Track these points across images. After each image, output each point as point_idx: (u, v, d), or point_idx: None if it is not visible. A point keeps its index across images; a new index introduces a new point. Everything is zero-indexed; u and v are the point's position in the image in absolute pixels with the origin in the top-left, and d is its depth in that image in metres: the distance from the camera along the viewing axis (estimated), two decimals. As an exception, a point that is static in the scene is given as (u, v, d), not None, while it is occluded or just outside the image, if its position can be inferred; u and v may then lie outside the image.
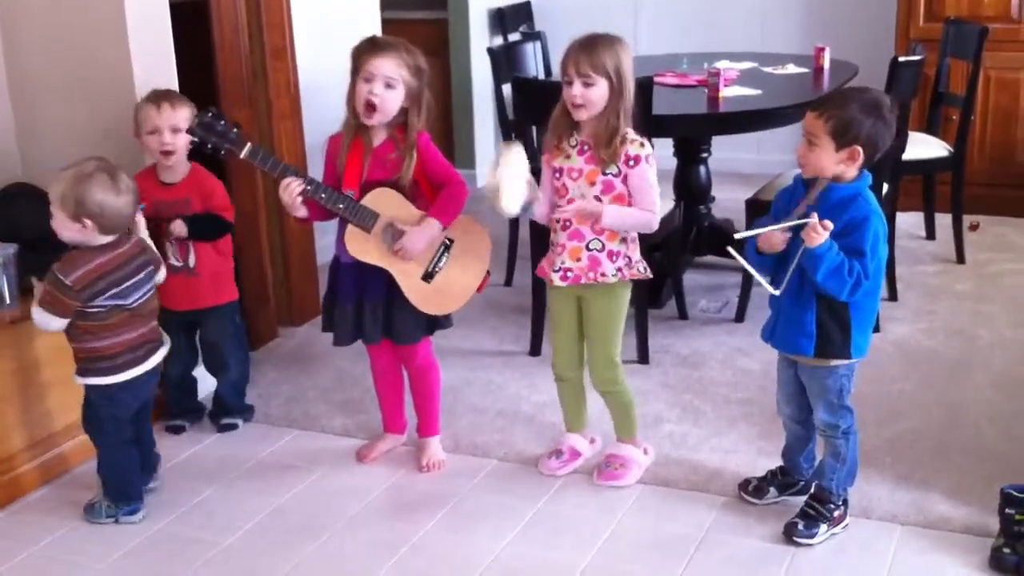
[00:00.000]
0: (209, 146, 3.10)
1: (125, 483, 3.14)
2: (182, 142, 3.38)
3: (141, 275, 3.04)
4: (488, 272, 3.28)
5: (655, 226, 3.10)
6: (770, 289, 2.79)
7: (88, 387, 3.07)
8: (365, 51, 3.11)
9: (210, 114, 3.10)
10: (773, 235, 2.77)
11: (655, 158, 3.06)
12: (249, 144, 3.11)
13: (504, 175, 2.96)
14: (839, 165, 2.73)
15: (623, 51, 3.00)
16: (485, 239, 3.26)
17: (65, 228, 2.94)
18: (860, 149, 2.70)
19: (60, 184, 2.92)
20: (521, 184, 3.00)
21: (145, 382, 3.11)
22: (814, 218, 2.66)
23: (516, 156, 3.00)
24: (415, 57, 3.12)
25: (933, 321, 4.35)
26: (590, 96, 2.98)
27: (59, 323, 2.97)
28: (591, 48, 2.98)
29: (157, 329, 3.15)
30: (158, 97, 3.39)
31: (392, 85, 3.07)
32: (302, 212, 3.13)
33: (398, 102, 3.10)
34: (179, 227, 3.39)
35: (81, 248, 2.95)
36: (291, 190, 3.07)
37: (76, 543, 3.06)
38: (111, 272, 2.96)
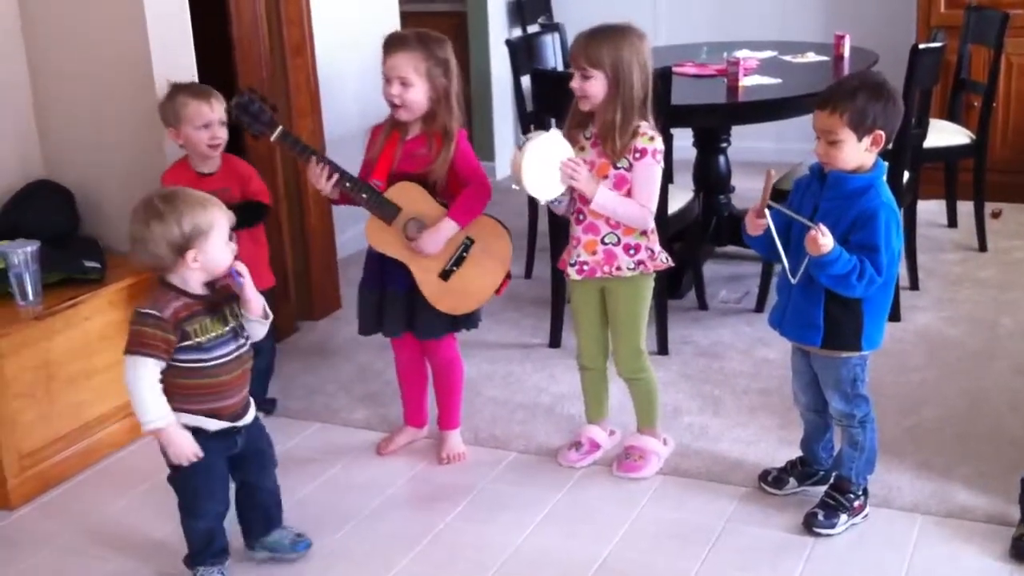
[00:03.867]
0: (244, 125, 3.13)
1: None
2: (225, 135, 3.40)
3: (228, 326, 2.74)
4: (508, 275, 3.28)
5: (649, 224, 3.08)
6: (788, 275, 2.79)
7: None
8: (384, 49, 3.12)
9: (247, 94, 3.13)
10: (752, 219, 2.78)
11: (662, 156, 3.04)
12: (280, 127, 3.13)
13: (527, 157, 2.94)
14: (864, 154, 2.71)
15: (628, 43, 2.97)
16: (506, 242, 3.26)
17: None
18: (881, 133, 2.69)
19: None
20: (550, 170, 2.97)
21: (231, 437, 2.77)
22: (813, 230, 2.64)
23: (545, 140, 2.97)
24: (436, 49, 3.10)
25: (955, 309, 4.32)
26: (587, 89, 2.98)
27: (157, 368, 2.61)
28: (590, 41, 2.98)
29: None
30: (204, 92, 3.40)
31: (408, 83, 3.08)
32: (333, 194, 3.15)
33: (421, 97, 3.10)
34: None
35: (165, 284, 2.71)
36: (318, 174, 3.09)
37: (97, 540, 3.09)
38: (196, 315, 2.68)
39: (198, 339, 2.59)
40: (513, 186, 3.00)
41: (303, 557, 2.91)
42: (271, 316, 2.75)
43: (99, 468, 3.44)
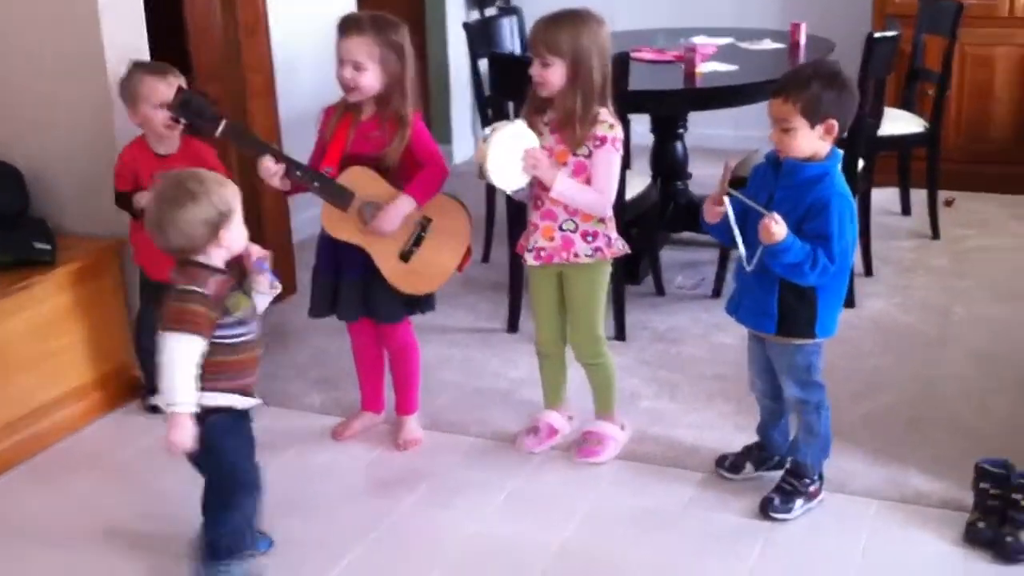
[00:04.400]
0: (188, 123, 3.07)
1: None
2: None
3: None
4: (469, 250, 3.26)
5: (607, 211, 3.07)
6: (744, 262, 2.79)
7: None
8: (338, 31, 3.08)
9: (187, 92, 3.07)
10: (710, 207, 2.80)
11: (621, 143, 3.04)
12: (224, 121, 3.07)
13: (492, 148, 2.92)
14: (818, 142, 2.72)
15: (587, 30, 2.96)
16: (464, 218, 3.24)
17: None
18: (834, 122, 2.70)
19: None
20: (514, 161, 2.96)
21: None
22: (767, 219, 2.65)
23: (509, 131, 2.96)
24: (390, 34, 3.07)
25: (908, 296, 4.37)
26: (547, 76, 2.96)
27: (200, 346, 2.52)
28: (549, 27, 2.96)
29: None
30: (162, 70, 3.34)
31: (361, 67, 3.05)
32: (285, 185, 3.10)
33: (375, 81, 3.07)
34: None
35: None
36: (267, 168, 3.05)
37: (48, 524, 3.04)
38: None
39: (237, 314, 2.54)
40: (478, 177, 2.99)
41: (259, 543, 2.88)
42: (279, 287, 2.69)
43: (51, 452, 3.39)
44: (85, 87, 3.57)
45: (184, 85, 3.10)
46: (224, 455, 2.59)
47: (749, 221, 2.79)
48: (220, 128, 3.05)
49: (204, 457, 2.57)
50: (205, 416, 2.51)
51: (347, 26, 3.08)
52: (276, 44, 4.36)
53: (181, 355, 2.45)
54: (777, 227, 2.64)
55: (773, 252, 2.68)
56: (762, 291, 2.81)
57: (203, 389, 2.50)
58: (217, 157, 3.50)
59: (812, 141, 2.71)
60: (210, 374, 2.51)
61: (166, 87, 3.28)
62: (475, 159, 2.97)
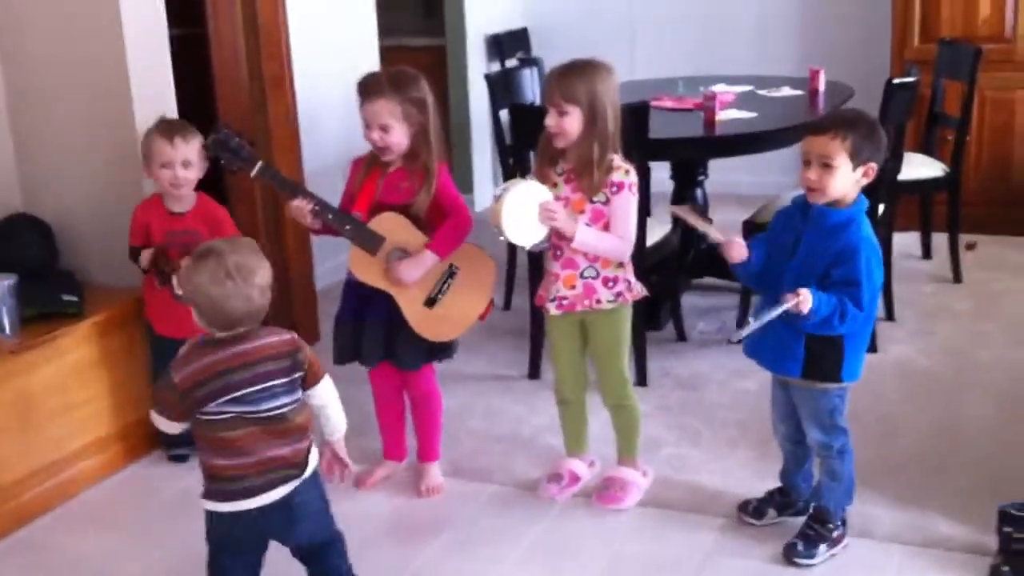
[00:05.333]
0: (222, 162, 3.14)
1: None
2: (193, 175, 3.41)
3: (277, 381, 2.47)
4: (492, 301, 3.30)
5: (627, 255, 3.10)
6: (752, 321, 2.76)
7: (206, 514, 2.54)
8: (359, 95, 3.15)
9: (224, 131, 3.14)
10: (729, 246, 2.81)
11: (636, 188, 3.06)
12: (260, 162, 3.15)
13: (505, 207, 2.95)
14: (855, 185, 2.74)
15: (601, 79, 3.00)
16: (491, 269, 3.28)
17: (193, 317, 2.48)
18: (875, 166, 2.73)
19: (185, 269, 2.50)
20: (529, 217, 2.98)
21: (266, 518, 2.50)
22: (791, 301, 2.64)
23: (522, 189, 2.99)
24: (410, 90, 3.13)
25: (931, 341, 4.35)
26: (563, 125, 3.00)
27: (174, 427, 2.50)
28: (564, 77, 3.00)
29: (302, 453, 2.53)
30: (171, 130, 3.40)
31: (388, 128, 3.11)
32: (315, 224, 3.16)
33: (402, 137, 3.13)
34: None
35: (198, 344, 2.48)
36: (300, 209, 3.10)
37: (74, 570, 3.06)
38: (229, 372, 2.42)
39: None
40: (497, 236, 3.01)
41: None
42: None
43: (75, 503, 3.42)
44: (113, 142, 3.64)
45: (221, 128, 3.15)
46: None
47: (772, 264, 2.81)
48: (256, 168, 3.12)
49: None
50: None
51: (367, 90, 3.14)
52: (301, 97, 4.43)
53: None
54: (805, 302, 2.64)
55: (805, 318, 2.68)
56: (789, 335, 2.81)
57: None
58: (231, 222, 3.55)
59: (850, 182, 2.73)
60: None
61: (171, 149, 3.36)
62: (490, 219, 3.00)
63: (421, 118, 3.13)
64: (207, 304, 2.41)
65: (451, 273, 3.21)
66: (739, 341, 2.77)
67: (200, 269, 2.40)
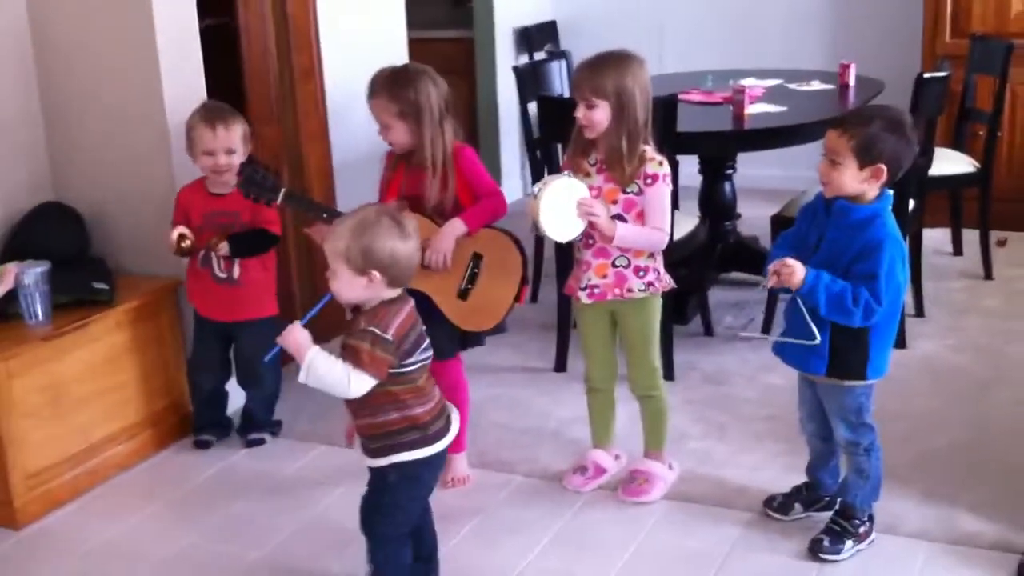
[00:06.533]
0: (252, 197, 3.20)
1: None
2: (236, 161, 3.42)
3: (424, 329, 2.64)
4: (525, 279, 3.30)
5: (664, 245, 3.12)
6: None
7: (389, 469, 2.62)
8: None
9: (249, 168, 3.20)
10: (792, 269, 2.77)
11: (670, 178, 3.07)
12: (283, 190, 3.21)
13: (543, 203, 2.95)
14: (862, 184, 2.72)
15: (630, 71, 3.00)
16: (513, 250, 3.28)
17: (349, 287, 2.51)
18: (884, 167, 2.70)
19: (341, 237, 2.49)
20: (567, 212, 2.99)
21: (443, 457, 2.71)
22: (772, 280, 2.68)
23: (558, 185, 2.99)
24: (403, 91, 3.16)
25: (960, 337, 4.33)
26: (592, 117, 3.00)
27: (368, 385, 2.54)
28: (593, 70, 3.00)
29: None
30: (213, 118, 3.42)
31: (388, 126, 3.18)
32: None
33: (402, 135, 3.19)
34: (223, 249, 3.42)
35: (385, 302, 2.54)
36: (321, 230, 3.11)
37: (104, 559, 3.09)
38: (418, 322, 2.59)
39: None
40: (531, 232, 3.02)
41: (308, 579, 2.91)
42: None
43: (105, 488, 3.45)
44: (144, 130, 3.66)
45: (246, 167, 3.20)
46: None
47: (799, 260, 2.80)
48: (280, 197, 3.19)
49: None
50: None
51: (369, 89, 3.24)
52: (330, 88, 4.44)
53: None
54: (791, 274, 2.66)
55: (803, 295, 2.68)
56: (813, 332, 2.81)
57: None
58: None
59: (855, 181, 2.71)
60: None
61: (211, 136, 3.39)
62: (528, 214, 3.00)
63: (417, 116, 3.16)
64: (393, 262, 2.48)
65: (475, 262, 3.22)
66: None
67: (381, 232, 2.47)
